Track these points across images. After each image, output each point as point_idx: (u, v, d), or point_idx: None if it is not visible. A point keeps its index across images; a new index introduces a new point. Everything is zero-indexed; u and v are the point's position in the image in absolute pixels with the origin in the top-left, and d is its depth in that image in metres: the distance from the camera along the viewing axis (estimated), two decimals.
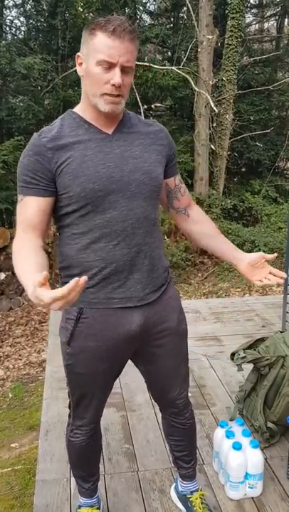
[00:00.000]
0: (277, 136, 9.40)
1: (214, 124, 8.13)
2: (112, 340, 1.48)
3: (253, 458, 1.99)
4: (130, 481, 2.13)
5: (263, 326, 3.79)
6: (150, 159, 1.45)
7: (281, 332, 2.61)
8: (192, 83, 7.05)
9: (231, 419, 2.38)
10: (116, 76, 1.30)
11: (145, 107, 7.35)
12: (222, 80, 7.96)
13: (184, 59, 7.34)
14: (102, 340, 1.48)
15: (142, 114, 6.92)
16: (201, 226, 1.65)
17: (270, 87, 8.43)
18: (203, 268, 8.63)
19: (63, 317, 1.51)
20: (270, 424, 2.31)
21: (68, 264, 1.45)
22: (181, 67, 7.27)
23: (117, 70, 1.31)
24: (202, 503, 1.88)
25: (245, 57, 9.69)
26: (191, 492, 1.91)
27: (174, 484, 2.03)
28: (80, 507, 1.88)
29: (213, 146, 7.96)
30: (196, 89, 7.20)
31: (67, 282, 1.07)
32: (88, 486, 1.83)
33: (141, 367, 1.68)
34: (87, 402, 1.60)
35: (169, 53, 9.56)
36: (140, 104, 6.87)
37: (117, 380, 1.79)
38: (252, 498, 2.02)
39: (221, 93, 8.10)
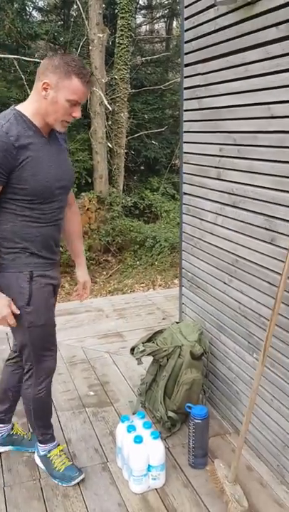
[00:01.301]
0: (172, 134, 9.69)
1: (110, 122, 8.16)
2: (50, 293, 1.90)
3: (154, 449, 2.00)
4: (32, 490, 2.04)
5: (163, 319, 3.87)
6: (69, 161, 1.91)
7: (177, 323, 2.68)
8: (40, 85, 6.98)
9: (133, 413, 2.39)
10: (78, 112, 1.70)
11: None
12: (115, 78, 8.01)
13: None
14: (47, 292, 1.87)
15: None
16: (71, 225, 2.09)
17: (162, 87, 8.66)
18: (108, 266, 8.65)
19: (14, 286, 1.80)
20: (170, 414, 2.36)
21: (11, 238, 1.77)
22: None
23: (79, 107, 1.69)
24: (20, 428, 2.31)
25: (137, 57, 9.85)
26: (12, 428, 2.29)
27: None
28: (49, 451, 2.11)
29: (110, 144, 7.98)
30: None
31: (12, 252, 1.77)
32: (52, 431, 2.12)
33: None
34: (50, 350, 1.96)
35: (61, 51, 9.40)
36: None
37: None
38: (155, 489, 2.04)
39: (114, 91, 8.15)
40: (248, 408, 1.92)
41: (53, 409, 2.14)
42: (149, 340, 2.55)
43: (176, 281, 6.79)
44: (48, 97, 1.64)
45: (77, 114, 1.70)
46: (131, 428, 2.05)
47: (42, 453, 2.12)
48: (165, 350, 2.39)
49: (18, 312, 1.80)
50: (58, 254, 1.95)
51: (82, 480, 2.07)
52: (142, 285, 7.63)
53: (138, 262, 8.35)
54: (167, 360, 2.39)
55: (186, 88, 2.52)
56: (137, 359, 2.45)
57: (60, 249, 2.00)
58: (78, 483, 2.06)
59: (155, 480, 2.03)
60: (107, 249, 8.69)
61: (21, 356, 2.01)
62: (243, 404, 2.29)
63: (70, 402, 2.67)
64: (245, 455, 2.23)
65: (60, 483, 2.06)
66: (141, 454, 1.98)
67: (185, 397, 2.34)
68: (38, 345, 1.91)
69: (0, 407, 2.19)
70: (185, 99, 2.54)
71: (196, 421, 2.11)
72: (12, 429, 2.28)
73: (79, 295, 2.18)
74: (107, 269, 8.51)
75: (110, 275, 8.27)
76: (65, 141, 1.93)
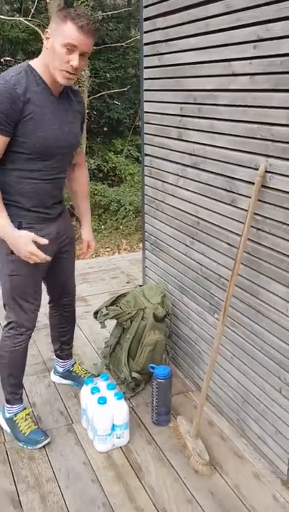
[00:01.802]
0: (135, 94, 9.46)
1: None
2: (42, 245, 1.85)
3: (118, 409, 2.04)
4: None
5: (127, 282, 3.88)
6: (77, 124, 1.91)
7: (140, 286, 2.68)
8: (43, 36, 6.66)
9: (97, 375, 2.41)
10: (76, 60, 1.65)
11: None
12: None
13: (33, 10, 6.88)
14: (36, 244, 1.82)
15: None
16: (78, 185, 2.17)
17: (124, 44, 8.37)
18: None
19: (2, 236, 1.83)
20: (134, 374, 2.39)
21: (6, 190, 1.80)
22: (30, 18, 6.80)
23: (77, 55, 1.65)
24: (81, 368, 2.49)
25: (98, 12, 9.42)
26: (72, 365, 2.48)
27: (53, 370, 2.54)
28: (15, 414, 2.13)
29: None
30: None
31: (6, 204, 1.78)
32: (21, 391, 2.15)
33: (50, 270, 2.06)
34: (31, 302, 1.97)
35: (18, 4, 8.89)
36: None
37: None
38: (120, 447, 2.09)
39: None
40: (209, 366, 1.96)
41: None
42: (113, 303, 2.55)
43: (141, 244, 6.81)
44: (49, 45, 1.66)
45: (75, 62, 1.65)
46: (95, 390, 2.07)
47: (8, 415, 2.13)
48: (128, 313, 2.40)
49: (45, 242, 1.81)
50: (56, 209, 1.96)
51: (48, 442, 2.09)
52: (107, 249, 7.59)
53: (103, 227, 8.27)
54: (131, 322, 2.40)
55: (146, 44, 2.43)
56: (100, 323, 2.45)
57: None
58: (44, 446, 2.08)
59: (119, 438, 2.07)
60: (71, 214, 8.53)
61: (54, 302, 2.26)
62: (205, 363, 2.35)
63: (35, 366, 2.67)
64: (207, 411, 2.31)
65: (25, 447, 2.07)
66: (105, 414, 2.00)
67: (148, 358, 2.37)
68: (18, 294, 1.93)
69: (54, 345, 2.44)
70: (145, 56, 2.45)
71: (159, 380, 2.15)
72: (73, 366, 2.49)
73: (83, 254, 2.24)
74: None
75: (77, 238, 8.18)
76: (81, 104, 1.95)
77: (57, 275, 2.15)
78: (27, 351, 2.10)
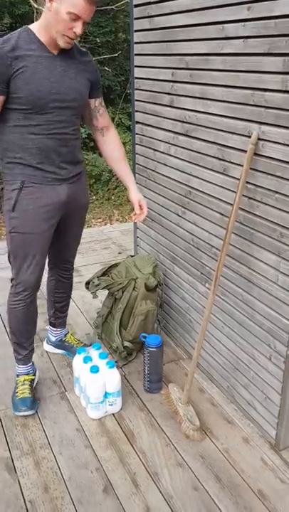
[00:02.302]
0: (126, 60, 9.19)
1: None
2: (47, 206, 1.91)
3: (110, 378, 2.06)
4: None
5: (119, 253, 3.87)
6: (81, 81, 1.87)
7: (132, 256, 2.68)
8: None
9: (90, 345, 2.43)
10: (79, 28, 1.70)
11: None
12: None
13: None
14: (40, 204, 1.89)
15: None
16: (110, 149, 2.11)
17: (114, 7, 8.07)
18: None
19: (7, 192, 1.89)
20: (126, 343, 2.41)
21: (11, 148, 1.84)
22: None
23: (80, 23, 1.69)
24: (74, 338, 2.52)
25: None
26: (65, 335, 2.49)
27: (46, 340, 2.56)
28: (18, 376, 2.19)
29: None
30: (35, 5, 6.58)
31: (11, 162, 1.85)
32: (25, 353, 2.17)
33: (55, 232, 2.05)
34: (29, 263, 1.96)
35: None
36: None
37: None
38: (112, 414, 2.13)
39: None
40: (200, 335, 1.98)
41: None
42: (104, 274, 2.55)
43: (133, 216, 6.76)
44: (52, 8, 1.67)
45: (78, 30, 1.70)
46: (87, 359, 2.09)
47: (16, 373, 2.22)
48: (120, 284, 2.40)
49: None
50: (66, 170, 1.94)
51: (42, 409, 2.13)
52: (99, 220, 7.54)
53: (94, 197, 8.18)
54: (122, 292, 2.40)
55: (136, 6, 2.34)
56: (92, 293, 2.45)
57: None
58: (37, 413, 2.12)
59: (112, 406, 2.10)
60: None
61: (52, 264, 2.28)
62: (196, 331, 2.37)
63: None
64: (198, 378, 2.34)
65: (11, 410, 2.12)
66: (97, 382, 2.03)
67: (140, 328, 2.39)
68: (18, 252, 1.95)
69: (48, 312, 2.45)
70: (135, 18, 2.37)
71: (150, 349, 2.17)
72: (65, 336, 2.50)
73: (136, 215, 2.12)
74: None
75: None
76: (89, 64, 1.91)
77: (62, 237, 2.14)
78: (29, 315, 2.09)
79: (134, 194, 2.11)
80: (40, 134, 1.82)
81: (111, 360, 2.14)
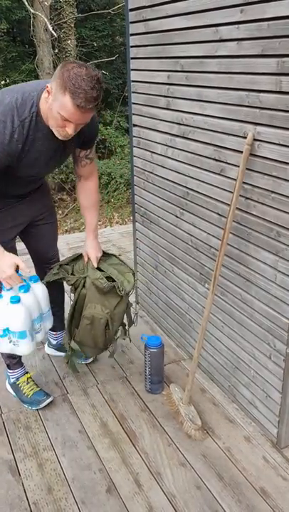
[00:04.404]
0: (123, 63, 9.24)
1: (56, 51, 7.67)
2: (10, 217, 1.97)
3: (32, 299, 1.96)
4: None
5: (119, 255, 3.88)
6: (70, 151, 1.90)
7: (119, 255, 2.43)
8: (26, 4, 6.45)
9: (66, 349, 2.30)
10: (70, 129, 1.62)
11: None
12: (60, 1, 7.43)
13: None
14: (5, 227, 1.95)
15: None
16: (83, 196, 2.12)
17: (110, 11, 8.13)
18: (63, 205, 8.48)
19: None
20: (73, 344, 2.24)
21: None
22: None
23: (72, 125, 1.61)
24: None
25: None
26: (62, 338, 2.50)
27: (47, 343, 2.58)
28: (17, 379, 2.22)
29: None
30: (32, 10, 6.63)
31: None
32: (17, 356, 2.19)
33: (28, 237, 2.14)
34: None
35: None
36: None
37: None
38: (114, 415, 2.14)
39: (60, 16, 7.60)
40: (200, 334, 1.99)
41: None
42: (70, 262, 2.25)
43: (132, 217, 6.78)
44: (48, 101, 1.61)
45: (69, 131, 1.63)
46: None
47: (12, 380, 2.24)
48: (69, 280, 2.17)
49: (27, 270, 1.84)
50: (29, 193, 2.00)
51: (44, 411, 2.14)
52: (99, 223, 7.56)
53: None
54: (75, 289, 2.17)
55: (131, 10, 2.36)
56: (43, 283, 2.15)
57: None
58: (40, 415, 2.13)
59: (38, 333, 2.04)
60: (62, 188, 8.48)
61: (38, 267, 2.29)
62: (196, 332, 2.39)
63: None
64: (199, 378, 2.35)
65: (29, 408, 2.17)
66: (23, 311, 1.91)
67: (86, 332, 2.15)
68: None
69: None
70: (131, 22, 2.39)
71: (151, 350, 2.19)
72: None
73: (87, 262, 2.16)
74: (63, 207, 8.34)
75: (66, 214, 8.14)
76: (91, 127, 1.81)
77: (36, 242, 2.19)
78: None
79: (88, 246, 2.14)
80: (12, 184, 1.86)
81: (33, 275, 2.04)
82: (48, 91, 1.59)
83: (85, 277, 2.13)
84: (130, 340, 2.50)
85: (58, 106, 1.56)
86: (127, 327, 2.27)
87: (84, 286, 2.13)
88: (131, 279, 2.15)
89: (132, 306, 2.28)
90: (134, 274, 2.19)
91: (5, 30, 8.29)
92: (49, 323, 2.16)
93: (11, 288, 1.91)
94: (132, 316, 2.29)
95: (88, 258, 2.14)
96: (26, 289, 1.93)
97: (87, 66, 1.55)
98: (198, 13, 1.87)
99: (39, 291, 2.04)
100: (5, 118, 1.60)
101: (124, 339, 2.32)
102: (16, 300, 1.88)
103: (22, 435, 2.04)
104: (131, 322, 2.27)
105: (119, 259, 2.24)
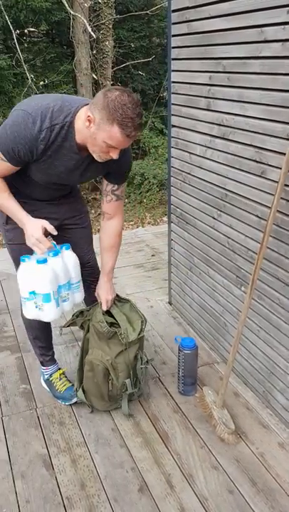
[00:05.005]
0: (160, 64, 9.24)
1: (94, 52, 7.74)
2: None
3: (61, 264, 1.91)
4: (29, 419, 2.14)
5: (152, 255, 3.90)
6: (94, 175, 1.89)
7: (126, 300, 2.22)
8: (66, 5, 6.53)
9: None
10: (115, 155, 1.64)
11: (17, 32, 6.69)
12: (98, 2, 7.50)
13: None
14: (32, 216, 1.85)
15: (15, 40, 6.32)
16: (105, 235, 2.03)
17: (148, 12, 8.13)
18: (96, 204, 8.55)
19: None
20: (80, 392, 2.13)
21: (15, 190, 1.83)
22: None
23: (118, 151, 1.63)
24: None
25: None
26: None
27: None
28: (50, 375, 2.27)
29: (95, 76, 7.62)
30: (72, 12, 6.70)
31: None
32: (51, 352, 2.28)
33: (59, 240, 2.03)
34: None
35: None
36: (12, 29, 6.26)
37: (10, 322, 2.90)
38: (147, 415, 2.14)
39: (98, 17, 7.67)
40: (236, 338, 1.97)
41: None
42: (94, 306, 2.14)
43: (165, 218, 6.77)
44: (90, 129, 1.59)
45: (114, 155, 1.64)
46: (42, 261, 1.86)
47: (45, 377, 2.29)
48: (74, 323, 2.14)
49: (54, 233, 1.80)
50: (57, 198, 1.97)
51: (78, 408, 2.17)
52: (131, 223, 7.59)
53: (126, 200, 8.24)
54: (85, 333, 2.12)
55: (174, 11, 2.36)
56: (62, 328, 2.19)
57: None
58: (73, 411, 2.16)
59: (65, 301, 1.98)
60: (95, 188, 8.55)
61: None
62: (231, 335, 2.37)
63: (63, 336, 2.73)
64: (233, 382, 2.33)
65: (62, 402, 2.22)
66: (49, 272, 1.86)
67: (89, 380, 2.06)
68: (18, 261, 1.93)
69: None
70: (173, 23, 2.39)
71: (186, 352, 2.18)
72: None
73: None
74: (96, 207, 8.42)
75: (99, 213, 8.20)
76: (124, 161, 1.80)
77: (68, 239, 2.07)
78: None
79: (99, 289, 2.06)
80: (37, 185, 1.84)
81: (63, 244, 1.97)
82: (89, 119, 1.57)
83: (88, 320, 2.07)
84: (138, 398, 2.25)
85: (104, 136, 1.56)
86: (139, 382, 2.11)
87: (88, 330, 2.07)
88: (138, 327, 2.04)
89: (145, 362, 2.09)
90: (143, 321, 2.07)
91: (44, 32, 8.43)
92: (79, 296, 2.06)
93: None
94: (140, 374, 2.08)
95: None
96: (55, 253, 1.87)
97: (128, 92, 1.54)
98: (242, 14, 1.86)
99: (70, 259, 1.96)
100: (36, 115, 1.59)
101: (133, 394, 2.13)
102: (42, 261, 1.83)
103: (56, 430, 2.07)
104: (137, 381, 2.09)
105: (133, 306, 2.14)
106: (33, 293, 1.88)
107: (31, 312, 1.94)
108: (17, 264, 1.95)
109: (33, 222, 1.77)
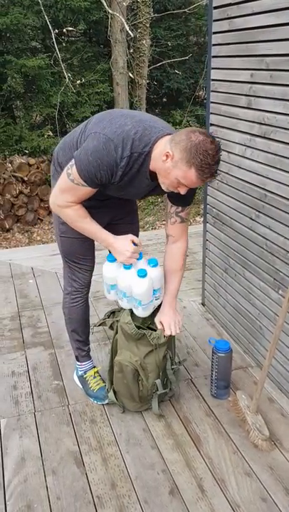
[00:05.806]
0: (196, 63, 9.17)
1: (131, 50, 7.75)
2: (92, 214, 1.88)
3: (155, 276, 1.94)
4: (61, 416, 2.15)
5: (186, 255, 3.85)
6: (160, 192, 1.82)
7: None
8: (105, 4, 6.56)
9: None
10: (183, 191, 1.66)
11: (56, 31, 6.76)
12: (136, 1, 7.50)
13: None
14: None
15: (54, 39, 6.40)
16: (170, 259, 2.01)
17: (186, 10, 8.08)
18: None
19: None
20: (111, 392, 2.12)
21: None
22: None
23: (186, 189, 1.65)
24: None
25: None
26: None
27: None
28: (85, 372, 2.28)
29: (131, 75, 7.62)
30: (110, 11, 6.72)
31: None
32: (87, 347, 2.29)
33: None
34: (82, 263, 2.06)
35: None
36: (51, 28, 6.33)
37: (44, 318, 2.96)
38: (179, 417, 2.12)
39: (136, 16, 7.67)
40: (272, 343, 1.92)
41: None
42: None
43: (198, 218, 6.71)
44: (165, 163, 1.60)
45: (182, 191, 1.66)
46: (127, 267, 1.91)
47: (80, 373, 2.30)
48: (104, 323, 2.13)
49: (140, 244, 1.89)
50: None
51: (110, 406, 2.17)
52: (164, 222, 7.57)
53: (160, 199, 8.22)
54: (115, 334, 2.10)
55: (215, 8, 2.32)
56: (92, 326, 2.24)
57: None
58: (105, 410, 2.16)
59: (158, 299, 2.01)
60: None
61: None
62: (266, 339, 2.31)
63: (96, 334, 2.74)
64: (267, 387, 2.28)
65: (94, 401, 2.21)
66: (147, 286, 1.89)
67: (118, 381, 2.04)
68: (68, 254, 2.05)
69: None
70: (214, 20, 2.35)
71: (220, 354, 2.14)
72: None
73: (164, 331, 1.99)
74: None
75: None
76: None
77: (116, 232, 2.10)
78: (86, 310, 2.20)
79: (163, 314, 1.99)
80: (101, 194, 1.81)
81: (153, 258, 1.98)
82: (167, 155, 1.58)
83: (117, 320, 2.04)
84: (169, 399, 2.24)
85: (179, 174, 1.58)
86: (170, 382, 2.10)
87: (117, 330, 2.04)
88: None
89: (177, 363, 2.10)
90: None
91: (82, 31, 8.50)
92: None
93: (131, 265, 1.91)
94: (170, 374, 2.06)
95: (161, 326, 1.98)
96: (140, 256, 1.92)
97: (212, 138, 1.54)
98: (287, 10, 1.80)
99: (156, 273, 1.95)
100: (118, 142, 1.61)
101: (164, 395, 2.13)
102: (155, 263, 1.93)
103: (87, 428, 2.07)
104: (167, 382, 2.08)
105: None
106: (154, 292, 1.96)
107: (150, 309, 1.99)
108: (64, 256, 2.05)
109: (122, 239, 1.84)
